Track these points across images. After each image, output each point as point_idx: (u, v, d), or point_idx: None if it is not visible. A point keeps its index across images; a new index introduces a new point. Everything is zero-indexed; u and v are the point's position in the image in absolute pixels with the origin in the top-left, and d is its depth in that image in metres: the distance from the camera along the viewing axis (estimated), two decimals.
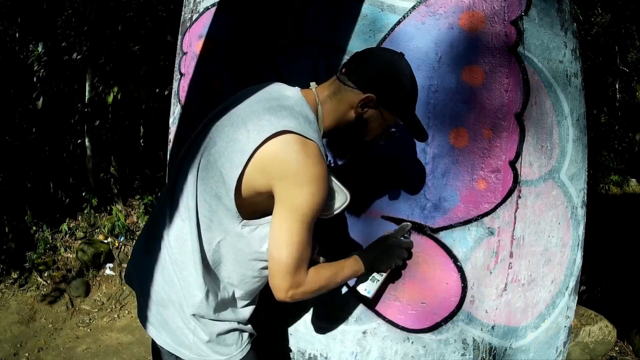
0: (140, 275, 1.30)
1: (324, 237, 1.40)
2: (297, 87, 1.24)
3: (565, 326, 1.62)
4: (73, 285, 3.94)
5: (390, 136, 1.29)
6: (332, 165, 1.47)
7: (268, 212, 1.16)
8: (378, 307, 1.50)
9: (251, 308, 1.31)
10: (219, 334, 1.23)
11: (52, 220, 4.50)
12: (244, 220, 1.18)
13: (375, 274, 1.38)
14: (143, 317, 1.29)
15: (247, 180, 1.12)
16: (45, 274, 4.02)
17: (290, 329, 1.65)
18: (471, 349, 1.43)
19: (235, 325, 1.26)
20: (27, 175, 4.64)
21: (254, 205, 1.17)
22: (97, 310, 3.81)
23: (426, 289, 1.43)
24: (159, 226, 1.25)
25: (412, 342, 1.47)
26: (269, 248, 1.14)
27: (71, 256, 4.26)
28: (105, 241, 4.43)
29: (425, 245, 1.42)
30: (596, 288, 3.80)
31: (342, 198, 1.22)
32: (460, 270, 1.39)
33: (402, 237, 1.38)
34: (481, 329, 1.42)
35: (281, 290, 1.13)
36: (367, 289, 1.38)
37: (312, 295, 1.20)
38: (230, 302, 1.26)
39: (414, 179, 1.41)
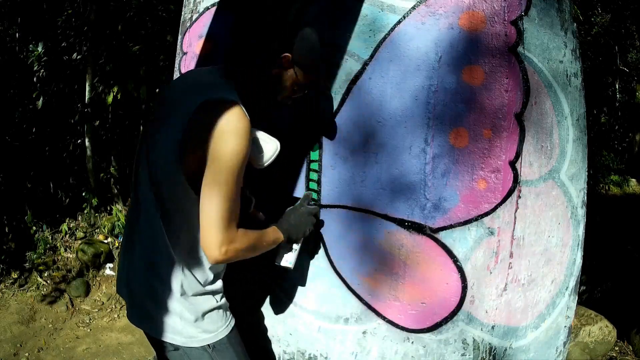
0: (125, 274, 1.37)
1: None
2: (215, 66, 1.37)
3: (565, 326, 1.62)
4: (73, 285, 3.94)
5: (301, 91, 1.37)
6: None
7: None
8: (378, 307, 1.51)
9: (220, 280, 1.38)
10: (205, 313, 1.30)
11: (52, 220, 4.50)
12: (198, 195, 1.24)
13: (293, 245, 1.45)
14: (134, 315, 1.36)
15: (187, 156, 1.20)
16: (45, 274, 4.02)
17: (291, 329, 1.65)
18: (471, 349, 1.43)
19: (218, 302, 1.34)
20: (27, 175, 4.64)
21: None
22: (97, 310, 3.81)
23: (426, 289, 1.43)
24: (132, 222, 1.35)
25: (412, 342, 1.47)
26: (200, 205, 1.18)
27: (71, 256, 4.26)
28: (105, 241, 4.44)
29: (425, 245, 1.42)
30: (596, 288, 3.80)
31: (272, 148, 1.33)
32: (460, 270, 1.39)
33: (308, 204, 1.47)
34: (481, 329, 1.42)
35: (214, 246, 1.16)
36: (289, 260, 1.45)
37: (243, 254, 1.23)
38: (207, 275, 1.32)
39: (414, 179, 1.41)
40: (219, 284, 1.36)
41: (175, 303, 1.28)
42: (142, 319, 1.34)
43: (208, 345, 1.31)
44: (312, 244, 1.56)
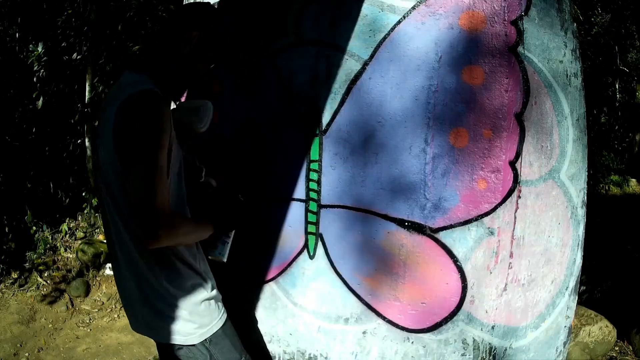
0: (120, 289, 1.38)
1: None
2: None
3: (565, 326, 1.62)
4: (73, 285, 3.94)
5: (209, 51, 1.36)
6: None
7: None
8: (378, 307, 1.51)
9: (201, 269, 1.38)
10: (196, 305, 1.32)
11: (52, 220, 4.50)
12: None
13: (223, 237, 1.45)
14: (136, 323, 1.37)
15: (122, 156, 1.20)
16: (45, 274, 4.02)
17: (291, 329, 1.65)
18: (471, 349, 1.43)
19: (207, 294, 1.34)
20: (27, 175, 4.63)
21: None
22: (97, 310, 3.81)
23: (426, 289, 1.43)
24: (107, 234, 1.35)
25: (412, 342, 1.47)
26: (130, 192, 1.18)
27: (71, 256, 4.26)
28: (105, 241, 4.43)
29: (425, 245, 1.41)
30: (596, 288, 3.80)
31: (205, 108, 1.42)
32: (460, 270, 1.39)
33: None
34: (481, 329, 1.42)
35: (149, 229, 1.14)
36: (221, 253, 1.45)
37: (177, 238, 1.22)
38: (188, 268, 1.33)
39: (414, 179, 1.41)
40: (202, 274, 1.35)
41: (165, 302, 1.29)
42: (144, 327, 1.36)
43: (205, 340, 1.33)
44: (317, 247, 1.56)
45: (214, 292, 1.38)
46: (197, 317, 1.32)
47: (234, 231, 1.48)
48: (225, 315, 1.40)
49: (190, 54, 1.33)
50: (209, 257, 1.45)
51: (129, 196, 1.19)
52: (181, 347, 1.32)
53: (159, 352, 1.43)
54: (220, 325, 1.37)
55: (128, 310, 1.39)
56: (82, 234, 4.47)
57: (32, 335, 3.39)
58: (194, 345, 1.32)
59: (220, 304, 1.40)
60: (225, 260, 1.46)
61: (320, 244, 1.57)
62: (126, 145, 1.18)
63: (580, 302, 3.08)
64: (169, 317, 1.30)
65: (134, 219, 1.21)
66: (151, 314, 1.31)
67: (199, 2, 1.40)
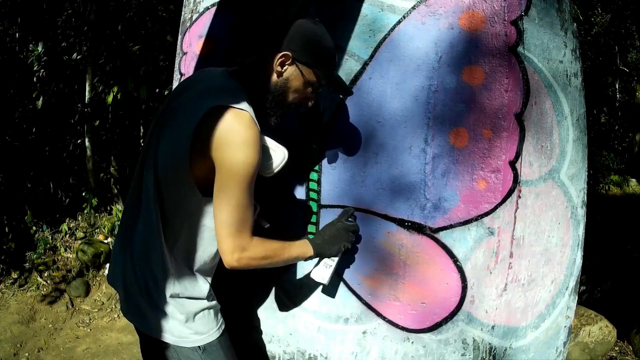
0: (120, 270, 1.37)
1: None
2: (224, 68, 1.33)
3: (565, 326, 1.62)
4: (73, 285, 3.94)
5: (315, 90, 1.31)
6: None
7: None
8: (378, 307, 1.51)
9: (209, 282, 1.38)
10: (195, 313, 1.31)
11: (52, 220, 4.50)
12: (204, 197, 1.25)
13: (327, 260, 1.42)
14: (126, 309, 1.37)
15: (195, 159, 1.20)
16: (45, 274, 4.02)
17: (291, 329, 1.65)
18: (471, 349, 1.43)
19: (207, 304, 1.34)
20: (27, 175, 4.64)
21: (209, 181, 1.23)
22: (97, 310, 3.81)
23: (426, 289, 1.43)
24: (130, 220, 1.35)
25: (412, 342, 1.47)
26: (214, 213, 1.21)
27: (71, 256, 4.26)
28: (105, 241, 4.44)
29: (425, 245, 1.42)
30: (596, 288, 3.80)
31: (280, 156, 1.32)
32: (460, 270, 1.39)
33: (347, 220, 1.43)
34: (481, 329, 1.42)
35: (227, 253, 1.20)
36: (323, 276, 1.42)
37: (257, 263, 1.25)
38: (199, 281, 1.34)
39: (414, 179, 1.41)
40: (208, 286, 1.36)
41: (166, 303, 1.29)
42: (134, 314, 1.35)
43: (199, 346, 1.31)
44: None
45: (213, 302, 1.37)
46: (194, 324, 1.31)
47: (338, 256, 1.42)
48: (222, 327, 1.38)
49: (282, 78, 1.26)
50: (311, 277, 1.43)
51: (215, 217, 1.20)
52: (169, 345, 1.31)
53: (142, 343, 1.40)
54: (217, 336, 1.35)
55: (125, 293, 1.36)
56: (82, 234, 4.48)
57: (32, 335, 3.40)
58: (185, 347, 1.31)
59: (219, 315, 1.38)
60: (327, 284, 1.43)
61: None
62: (214, 159, 1.17)
63: (580, 302, 3.08)
64: (164, 314, 1.29)
65: (218, 240, 1.21)
66: (146, 304, 1.30)
67: (327, 39, 1.27)
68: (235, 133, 1.16)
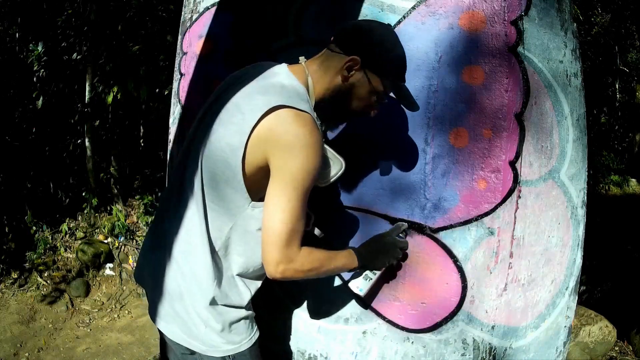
0: (151, 271, 1.30)
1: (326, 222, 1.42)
2: (284, 64, 1.25)
3: (565, 326, 1.62)
4: (73, 285, 3.94)
5: (380, 100, 1.26)
6: (328, 139, 1.47)
7: None
8: (378, 307, 1.51)
9: (256, 291, 1.31)
10: (232, 323, 1.23)
11: (52, 220, 4.51)
12: (253, 202, 1.18)
13: (368, 272, 1.38)
14: (154, 311, 1.29)
15: (249, 160, 1.13)
16: (45, 274, 4.02)
17: (290, 329, 1.65)
18: (471, 349, 1.43)
19: (245, 313, 1.26)
20: (27, 175, 4.64)
21: (261, 185, 1.16)
22: (97, 310, 3.81)
23: (426, 289, 1.43)
24: (166, 221, 1.27)
25: (412, 342, 1.47)
26: (263, 218, 1.12)
27: (71, 256, 4.26)
28: (105, 241, 4.44)
29: (425, 245, 1.42)
30: (596, 288, 3.80)
31: (337, 166, 1.23)
32: (460, 270, 1.39)
33: (397, 236, 1.38)
34: (481, 329, 1.42)
35: (272, 263, 1.11)
36: (359, 286, 1.38)
37: (303, 275, 1.16)
38: (241, 288, 1.26)
39: (414, 179, 1.41)
40: (250, 294, 1.28)
41: (202, 310, 1.20)
42: (161, 318, 1.27)
43: (229, 355, 1.23)
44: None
45: (250, 311, 1.29)
46: (229, 334, 1.23)
47: (381, 270, 1.38)
48: (256, 336, 1.30)
49: (347, 83, 1.19)
50: (349, 286, 1.40)
51: (264, 224, 1.11)
52: (194, 352, 1.24)
53: (163, 347, 1.33)
54: (248, 346, 1.26)
55: (153, 294, 1.28)
56: (82, 234, 4.48)
57: (32, 335, 3.40)
58: (213, 356, 1.23)
59: (254, 323, 1.30)
60: (363, 295, 1.40)
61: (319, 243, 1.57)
62: (270, 160, 1.10)
63: (580, 302, 3.08)
64: (198, 322, 1.21)
65: (263, 248, 1.13)
66: (178, 309, 1.22)
67: (399, 48, 1.20)
68: (297, 136, 1.08)
